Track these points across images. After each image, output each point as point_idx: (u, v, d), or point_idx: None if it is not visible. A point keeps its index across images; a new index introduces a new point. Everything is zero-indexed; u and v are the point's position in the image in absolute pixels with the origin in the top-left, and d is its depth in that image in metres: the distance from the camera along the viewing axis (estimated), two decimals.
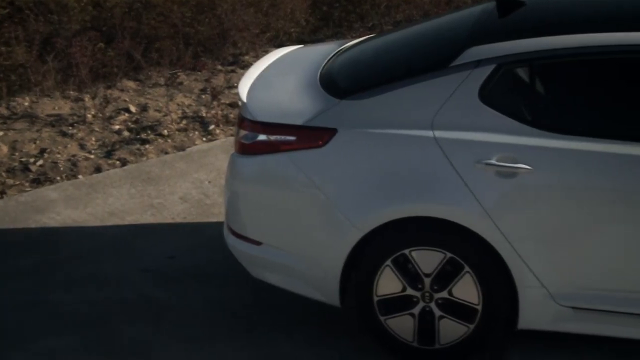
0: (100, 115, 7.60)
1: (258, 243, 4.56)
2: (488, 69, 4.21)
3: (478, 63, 4.23)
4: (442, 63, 4.31)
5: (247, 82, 4.81)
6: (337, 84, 4.58)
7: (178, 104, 7.91)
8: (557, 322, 4.28)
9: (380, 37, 5.24)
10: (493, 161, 4.14)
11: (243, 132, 4.55)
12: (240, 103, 4.71)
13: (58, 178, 6.57)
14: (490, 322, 4.30)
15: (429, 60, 4.42)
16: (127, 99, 8.01)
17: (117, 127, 7.44)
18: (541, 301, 4.24)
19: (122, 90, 8.21)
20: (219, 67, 8.86)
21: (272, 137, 4.43)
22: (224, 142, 7.11)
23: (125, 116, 7.65)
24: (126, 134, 7.32)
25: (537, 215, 4.13)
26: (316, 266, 4.41)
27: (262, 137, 4.46)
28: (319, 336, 4.68)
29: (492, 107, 4.19)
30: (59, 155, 6.91)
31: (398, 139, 4.25)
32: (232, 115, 7.56)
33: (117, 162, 6.81)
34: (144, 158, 6.89)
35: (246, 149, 4.52)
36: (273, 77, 4.92)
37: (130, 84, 8.37)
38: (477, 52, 4.24)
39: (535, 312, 4.27)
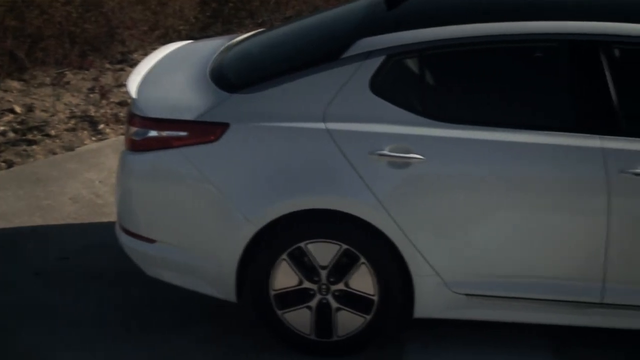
0: None
1: (152, 241, 4.49)
2: (378, 60, 4.24)
3: (368, 54, 4.25)
4: (332, 55, 4.31)
5: (137, 78, 4.73)
6: (228, 78, 4.54)
7: (65, 104, 7.74)
8: (452, 309, 4.33)
9: (271, 31, 5.22)
10: (386, 152, 4.16)
11: (133, 129, 4.47)
12: (130, 100, 4.63)
13: None
14: (386, 312, 4.33)
15: (320, 53, 4.41)
16: (12, 100, 7.80)
17: (1, 128, 7.23)
18: (436, 289, 4.29)
19: (5, 91, 7.99)
20: (108, 65, 8.71)
21: (164, 133, 4.37)
22: (115, 142, 6.99)
23: (9, 117, 7.44)
24: (11, 135, 7.12)
25: (432, 204, 4.18)
26: (211, 262, 4.37)
27: (153, 133, 4.39)
28: (215, 333, 4.64)
29: (384, 97, 4.21)
30: None
31: (291, 132, 4.24)
32: (122, 114, 7.43)
33: (3, 164, 6.62)
34: (31, 159, 6.71)
35: (137, 145, 4.44)
36: (162, 72, 4.85)
37: (15, 84, 8.15)
38: (367, 44, 4.26)
39: (430, 300, 4.31)
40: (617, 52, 4.16)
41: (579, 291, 4.21)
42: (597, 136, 4.08)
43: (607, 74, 4.10)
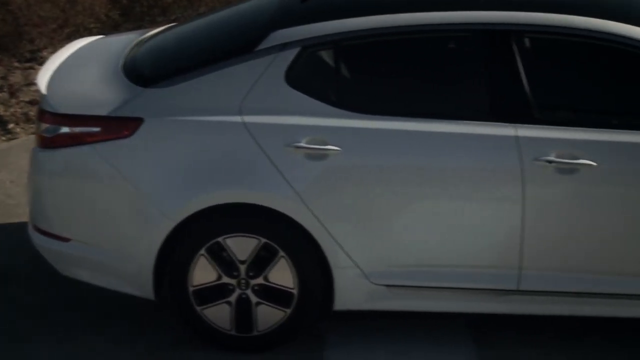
0: None
1: (66, 239, 4.39)
2: (293, 52, 4.22)
3: (283, 46, 4.23)
4: (247, 48, 4.28)
5: (47, 74, 4.63)
6: (141, 72, 4.47)
7: None
8: (372, 300, 4.34)
9: (184, 24, 5.16)
10: (302, 144, 4.15)
11: (44, 126, 4.36)
12: (40, 97, 4.52)
13: None
14: (306, 306, 4.31)
15: (234, 46, 4.38)
16: None
17: None
18: (355, 281, 4.29)
19: None
20: (16, 64, 8.50)
21: (76, 129, 4.28)
22: (25, 141, 6.82)
23: None
24: None
25: (349, 196, 4.17)
26: (128, 260, 4.30)
27: (64, 129, 4.29)
28: (133, 331, 4.57)
29: (299, 89, 4.20)
30: None
31: (206, 126, 4.20)
32: (32, 113, 7.25)
33: None
34: None
35: (48, 142, 4.34)
36: (73, 68, 4.75)
37: None
38: (281, 36, 4.24)
39: (350, 292, 4.31)
40: (528, 42, 4.21)
41: (497, 279, 4.25)
42: (511, 125, 4.12)
43: (520, 63, 4.14)
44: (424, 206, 4.19)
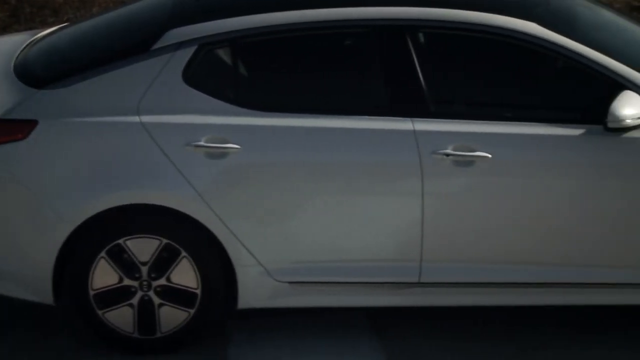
0: None
1: None
2: (190, 51, 4.19)
3: (179, 45, 4.20)
4: (143, 47, 4.24)
5: None
6: (34, 73, 4.39)
7: None
8: (276, 298, 4.34)
9: (78, 24, 5.07)
10: (202, 143, 4.12)
11: None
12: None
13: None
14: (210, 305, 4.29)
15: (130, 45, 4.33)
16: None
17: None
18: (258, 279, 4.28)
19: None
20: None
21: None
22: None
23: None
24: None
25: (250, 194, 4.17)
26: (26, 265, 4.21)
27: None
28: (34, 338, 4.47)
29: (198, 88, 4.17)
30: None
31: (104, 127, 4.14)
32: None
33: None
34: None
35: None
36: None
37: None
38: (177, 34, 4.21)
39: (254, 290, 4.30)
40: (423, 37, 4.27)
41: (398, 272, 4.29)
42: (409, 119, 4.18)
43: (415, 58, 4.20)
44: (324, 202, 4.21)
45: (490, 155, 4.12)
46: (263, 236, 4.22)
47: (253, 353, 4.40)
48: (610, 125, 4.04)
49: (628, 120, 4.02)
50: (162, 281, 4.24)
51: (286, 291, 4.32)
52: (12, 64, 4.51)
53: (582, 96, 4.25)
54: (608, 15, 4.89)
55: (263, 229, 4.22)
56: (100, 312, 4.26)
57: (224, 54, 4.24)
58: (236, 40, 4.22)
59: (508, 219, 4.20)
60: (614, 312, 4.56)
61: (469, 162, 4.14)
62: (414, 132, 4.15)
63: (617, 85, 4.12)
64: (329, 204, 4.21)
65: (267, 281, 4.29)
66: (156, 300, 4.26)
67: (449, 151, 4.13)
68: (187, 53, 4.19)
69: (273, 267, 4.27)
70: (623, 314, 4.57)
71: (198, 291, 4.26)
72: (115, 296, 4.26)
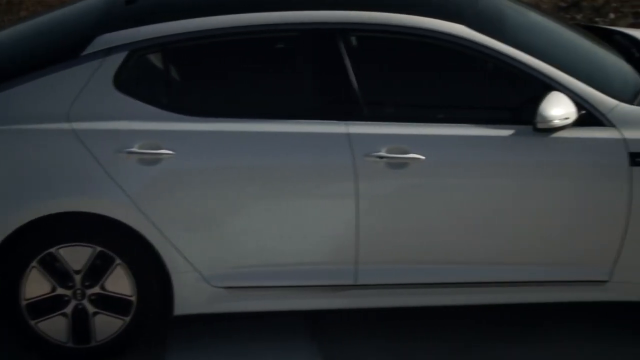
0: None
1: None
2: (120, 56, 4.15)
3: (109, 51, 4.15)
4: (72, 53, 4.19)
5: None
6: None
7: None
8: (213, 303, 4.32)
9: (6, 29, 4.99)
10: (135, 149, 4.09)
11: None
12: None
13: None
14: (146, 313, 4.26)
15: (59, 52, 4.27)
16: None
17: None
18: (195, 285, 4.26)
19: None
20: None
21: None
22: None
23: None
24: None
25: (185, 199, 4.14)
26: None
27: None
28: None
29: (129, 94, 4.14)
30: None
31: (34, 135, 4.09)
32: None
33: None
34: None
35: None
36: None
37: None
38: (107, 40, 4.17)
39: (190, 296, 4.28)
40: (355, 40, 4.29)
41: (334, 275, 4.30)
42: (342, 122, 4.19)
43: (348, 61, 4.21)
44: (259, 206, 4.21)
45: (423, 157, 4.15)
46: (198, 242, 4.20)
47: None
48: (539, 125, 4.10)
49: (556, 121, 4.08)
50: (97, 289, 4.20)
51: (223, 296, 4.30)
52: None
53: (511, 97, 4.30)
54: (535, 17, 4.96)
55: (198, 235, 4.20)
56: (32, 323, 4.20)
57: (155, 60, 4.21)
58: (167, 46, 4.19)
59: (442, 219, 4.23)
60: (536, 311, 4.62)
61: (403, 164, 4.16)
62: (348, 135, 4.17)
63: (545, 86, 4.19)
64: (264, 209, 4.21)
65: (203, 287, 4.27)
66: (90, 308, 4.22)
67: (382, 153, 4.15)
68: (117, 59, 4.15)
69: (209, 273, 4.26)
70: (544, 314, 4.64)
71: (133, 298, 4.22)
72: (48, 306, 4.20)
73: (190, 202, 4.15)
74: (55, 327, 4.22)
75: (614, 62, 4.71)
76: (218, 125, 4.15)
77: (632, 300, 4.37)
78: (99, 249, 4.14)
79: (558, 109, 4.09)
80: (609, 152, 4.15)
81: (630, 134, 4.15)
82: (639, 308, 4.48)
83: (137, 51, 4.17)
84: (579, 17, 8.24)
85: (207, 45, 4.23)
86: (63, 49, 4.27)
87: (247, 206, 4.20)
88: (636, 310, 4.53)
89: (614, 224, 4.20)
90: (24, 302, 4.17)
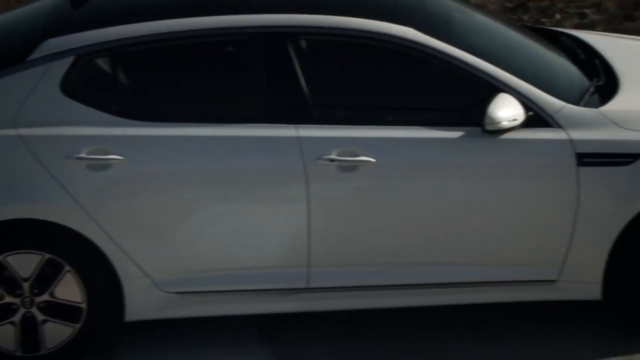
0: None
1: None
2: (67, 61, 4.12)
3: (56, 56, 4.12)
4: (18, 58, 4.15)
5: None
6: None
7: None
8: (165, 309, 4.30)
9: None
10: (83, 155, 4.05)
11: None
12: None
13: None
14: (96, 319, 4.23)
15: (5, 56, 4.23)
16: None
17: None
18: (146, 291, 4.24)
19: None
20: None
21: None
22: None
23: None
24: None
25: (135, 205, 4.12)
26: None
27: None
28: None
29: (77, 99, 4.11)
30: None
31: None
32: None
33: None
34: None
35: None
36: None
37: None
38: (53, 45, 4.13)
39: (141, 302, 4.26)
40: (304, 43, 4.29)
41: (286, 278, 4.30)
42: (293, 126, 4.19)
43: (297, 64, 4.21)
44: (210, 211, 4.19)
45: (374, 160, 4.17)
46: (149, 247, 4.18)
47: None
48: (487, 127, 4.13)
49: (504, 122, 4.11)
50: (46, 297, 4.16)
51: (175, 302, 4.28)
52: None
53: (460, 99, 4.33)
54: (483, 19, 5.00)
55: (149, 240, 4.17)
56: None
57: (102, 64, 4.18)
58: (114, 50, 4.16)
59: (394, 221, 4.25)
60: (484, 311, 4.66)
61: (354, 167, 4.18)
62: (298, 138, 4.17)
63: (493, 88, 4.22)
64: (215, 213, 4.19)
65: (154, 292, 4.24)
66: (39, 316, 4.17)
67: (333, 156, 4.16)
68: (64, 64, 4.11)
69: (160, 278, 4.23)
70: (493, 314, 4.68)
71: (83, 305, 4.19)
72: None
73: (140, 208, 4.13)
74: (3, 335, 4.17)
75: (561, 64, 4.77)
76: (167, 130, 4.13)
77: (579, 299, 4.43)
78: (47, 256, 4.10)
79: (506, 110, 4.13)
80: (556, 152, 4.20)
81: (577, 134, 4.21)
82: (586, 306, 4.54)
83: (84, 56, 4.13)
84: (525, 17, 8.31)
85: (155, 50, 4.20)
86: (9, 54, 4.22)
87: (198, 211, 4.18)
88: (582, 308, 4.59)
89: (562, 224, 4.25)
90: None
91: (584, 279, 4.35)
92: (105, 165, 4.07)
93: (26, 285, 4.13)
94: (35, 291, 4.14)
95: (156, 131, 4.12)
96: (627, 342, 4.45)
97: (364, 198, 4.22)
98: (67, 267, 4.12)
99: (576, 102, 4.32)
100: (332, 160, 4.16)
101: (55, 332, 4.20)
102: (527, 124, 4.19)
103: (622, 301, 4.39)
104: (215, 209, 4.19)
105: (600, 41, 5.18)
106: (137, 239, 4.16)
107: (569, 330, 4.56)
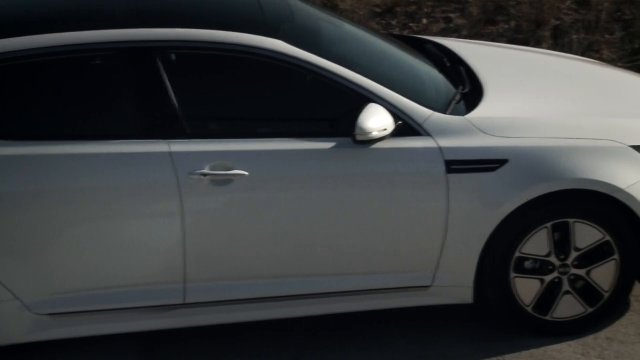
0: None
1: None
2: None
3: None
4: None
5: None
6: None
7: None
8: (37, 332, 4.21)
9: None
10: None
11: None
12: None
13: None
14: None
15: None
16: None
17: None
18: (16, 314, 4.14)
19: None
20: None
21: None
22: None
23: None
24: None
25: (3, 225, 4.02)
26: None
27: None
28: None
29: None
30: None
31: None
32: None
33: None
34: None
35: None
36: None
37: None
38: None
39: (12, 325, 4.16)
40: (173, 58, 4.25)
41: (163, 295, 4.26)
42: (164, 141, 4.15)
43: (167, 79, 4.17)
44: (83, 229, 4.12)
45: (247, 173, 4.16)
46: (18, 269, 4.08)
47: None
48: (358, 138, 4.17)
49: (374, 133, 4.16)
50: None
51: (47, 324, 4.20)
52: None
53: (330, 110, 4.36)
54: (351, 29, 5.06)
55: (18, 262, 4.07)
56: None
57: None
58: None
59: (269, 234, 4.26)
60: (367, 318, 4.72)
61: (227, 181, 4.16)
62: (170, 154, 4.13)
63: (363, 98, 4.27)
64: (86, 231, 4.12)
65: (25, 315, 4.15)
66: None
67: (206, 171, 4.14)
68: None
69: (31, 300, 4.14)
70: (375, 320, 4.74)
71: None
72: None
73: (9, 229, 4.03)
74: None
75: (427, 72, 4.86)
76: (36, 148, 4.04)
77: (453, 303, 4.52)
78: None
79: (375, 120, 4.18)
80: (426, 161, 4.27)
81: (445, 142, 4.29)
82: (461, 310, 4.64)
83: None
84: (394, 22, 8.44)
85: (22, 66, 4.10)
86: None
87: (68, 230, 4.10)
88: (457, 312, 4.69)
89: (434, 230, 4.34)
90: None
91: (457, 284, 4.45)
92: None
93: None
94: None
95: (24, 150, 4.02)
96: (499, 344, 4.57)
97: (239, 211, 4.22)
98: None
99: (443, 111, 4.41)
100: (205, 174, 4.14)
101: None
102: (397, 133, 4.25)
103: (492, 304, 4.51)
104: (86, 227, 4.12)
105: (465, 48, 5.31)
106: (5, 261, 4.06)
107: (440, 334, 4.65)
